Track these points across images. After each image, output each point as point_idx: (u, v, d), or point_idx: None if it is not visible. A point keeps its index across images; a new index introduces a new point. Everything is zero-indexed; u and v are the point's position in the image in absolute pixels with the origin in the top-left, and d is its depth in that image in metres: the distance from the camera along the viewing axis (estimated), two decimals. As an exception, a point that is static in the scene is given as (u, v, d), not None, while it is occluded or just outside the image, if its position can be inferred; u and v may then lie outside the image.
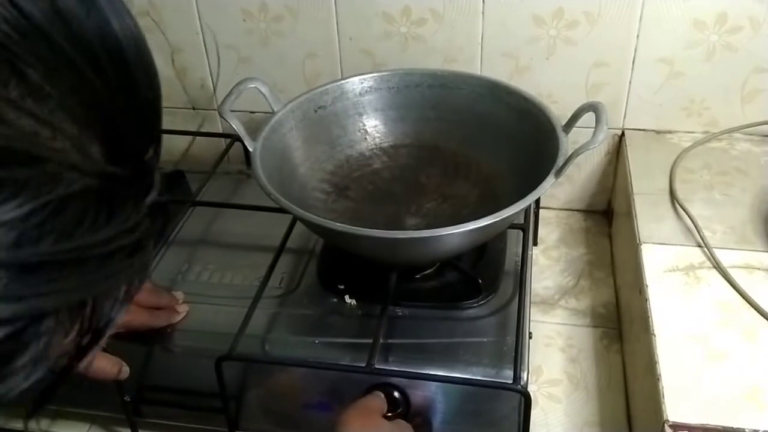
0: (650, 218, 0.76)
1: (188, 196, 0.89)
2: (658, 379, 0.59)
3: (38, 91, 0.21)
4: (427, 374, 0.64)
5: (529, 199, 0.62)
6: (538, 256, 0.91)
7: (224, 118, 0.71)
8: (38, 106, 0.21)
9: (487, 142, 0.79)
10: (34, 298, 0.21)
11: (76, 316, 0.24)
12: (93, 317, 0.25)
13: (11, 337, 0.21)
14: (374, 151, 0.84)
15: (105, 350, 0.63)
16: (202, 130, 1.03)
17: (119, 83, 0.24)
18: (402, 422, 0.63)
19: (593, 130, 0.63)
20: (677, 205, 0.77)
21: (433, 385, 0.65)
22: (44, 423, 0.76)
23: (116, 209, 0.24)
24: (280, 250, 0.76)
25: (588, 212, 0.99)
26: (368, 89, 0.82)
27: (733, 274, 0.68)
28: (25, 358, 0.22)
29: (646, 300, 0.66)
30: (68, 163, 0.21)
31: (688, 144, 0.87)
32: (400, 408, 0.65)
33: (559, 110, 0.73)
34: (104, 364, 0.63)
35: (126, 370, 0.65)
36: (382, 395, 0.64)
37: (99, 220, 0.23)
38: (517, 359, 0.62)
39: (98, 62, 0.23)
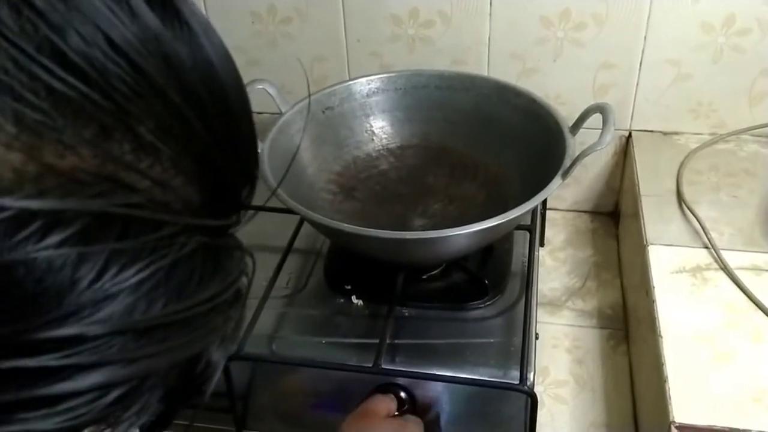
0: (657, 220, 0.76)
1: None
2: (665, 380, 0.59)
3: (151, 151, 0.20)
4: (434, 374, 0.64)
5: (536, 200, 0.62)
6: (544, 257, 0.91)
7: (232, 119, 0.71)
8: (152, 167, 0.20)
9: (494, 143, 0.79)
10: (145, 359, 0.21)
11: (180, 370, 0.24)
12: (196, 368, 0.25)
13: (122, 398, 0.21)
14: (381, 152, 0.84)
15: None
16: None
17: (223, 131, 0.24)
18: (410, 417, 0.63)
19: (600, 131, 0.63)
20: (684, 207, 0.77)
21: (440, 386, 0.65)
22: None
23: (220, 263, 0.24)
24: (288, 250, 0.76)
25: (595, 213, 0.99)
26: (375, 90, 0.82)
27: (740, 275, 0.68)
28: (129, 412, 0.22)
29: (653, 301, 0.66)
30: (182, 224, 0.21)
31: (695, 145, 0.87)
32: (405, 407, 0.65)
33: (566, 111, 0.73)
34: None
35: None
36: (392, 396, 0.64)
37: (204, 278, 0.23)
38: (523, 360, 0.62)
39: (205, 111, 0.22)
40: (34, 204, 0.18)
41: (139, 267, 0.20)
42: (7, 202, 0.17)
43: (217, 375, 0.26)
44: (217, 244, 0.24)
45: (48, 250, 0.18)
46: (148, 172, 0.20)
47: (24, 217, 0.17)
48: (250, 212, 0.27)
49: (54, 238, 0.18)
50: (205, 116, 0.22)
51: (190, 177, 0.22)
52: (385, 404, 0.63)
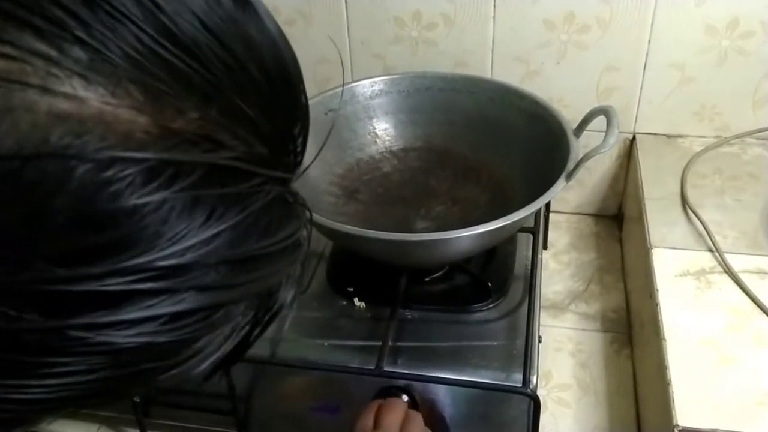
0: (661, 223, 0.76)
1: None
2: (669, 384, 0.59)
3: (239, 115, 0.24)
4: (437, 377, 0.64)
5: (540, 203, 0.62)
6: (548, 260, 0.91)
7: (235, 121, 0.71)
8: (239, 128, 0.24)
9: (497, 145, 0.79)
10: (241, 286, 0.25)
11: (258, 302, 0.28)
12: (270, 301, 0.29)
13: (221, 318, 0.25)
14: (384, 154, 0.84)
15: None
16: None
17: (287, 97, 0.27)
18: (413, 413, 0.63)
19: (604, 134, 0.63)
20: (688, 210, 0.77)
21: (442, 388, 0.65)
22: (54, 423, 0.76)
23: (292, 209, 0.28)
24: (290, 252, 0.76)
25: (598, 216, 0.99)
26: (379, 92, 0.82)
27: (745, 279, 0.68)
28: (223, 332, 0.26)
29: (656, 305, 0.66)
30: (267, 175, 0.25)
31: (699, 148, 0.87)
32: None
33: (570, 114, 0.73)
34: None
35: None
36: (377, 402, 0.63)
37: (282, 220, 0.26)
38: (526, 363, 0.62)
39: (274, 81, 0.26)
40: (167, 156, 0.22)
41: (237, 209, 0.24)
42: (149, 154, 0.21)
43: (286, 311, 0.30)
44: (288, 192, 0.28)
45: (178, 192, 0.22)
46: (238, 131, 0.24)
47: (159, 167, 0.21)
48: (305, 166, 0.30)
49: (179, 185, 0.22)
50: (274, 86, 0.26)
51: (264, 136, 0.25)
52: (368, 416, 0.61)
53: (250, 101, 0.24)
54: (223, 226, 0.23)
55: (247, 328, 0.28)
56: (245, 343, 0.29)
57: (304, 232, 0.29)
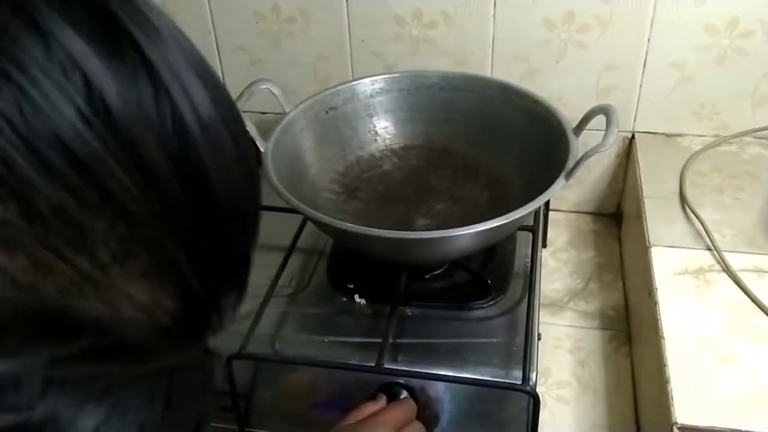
0: (660, 221, 0.76)
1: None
2: (667, 381, 0.59)
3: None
4: (436, 374, 0.64)
5: (539, 201, 0.62)
6: (547, 258, 0.91)
7: (236, 119, 0.71)
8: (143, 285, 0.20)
9: (497, 144, 0.80)
10: None
11: None
12: None
13: None
14: (384, 152, 0.84)
15: None
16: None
17: (202, 227, 0.22)
18: (393, 405, 0.63)
19: (604, 132, 0.63)
20: (687, 209, 0.77)
21: (442, 385, 0.66)
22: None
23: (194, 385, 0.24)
24: (291, 249, 0.76)
25: (597, 215, 0.99)
26: (379, 91, 0.83)
27: (743, 277, 0.68)
28: None
29: (655, 303, 0.66)
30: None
31: (698, 147, 0.87)
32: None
33: (569, 113, 0.73)
34: None
35: None
36: (370, 404, 0.63)
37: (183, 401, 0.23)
38: (526, 360, 0.62)
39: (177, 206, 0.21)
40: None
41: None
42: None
43: None
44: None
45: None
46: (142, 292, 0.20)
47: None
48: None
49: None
50: (219, 230, 0.22)
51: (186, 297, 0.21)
52: (356, 416, 0.61)
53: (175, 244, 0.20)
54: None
55: None
56: None
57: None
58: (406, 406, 0.63)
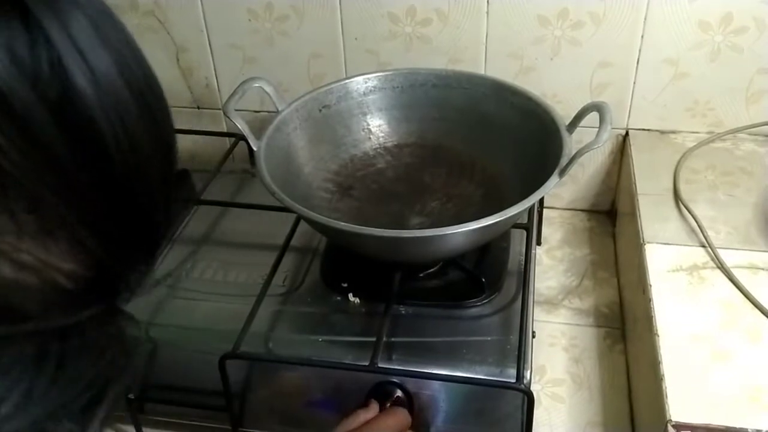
0: (654, 218, 0.76)
1: (192, 195, 0.89)
2: (662, 379, 0.59)
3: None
4: (431, 373, 0.64)
5: (533, 199, 0.62)
6: (541, 255, 0.91)
7: (229, 118, 0.71)
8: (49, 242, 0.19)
9: (491, 141, 0.79)
10: None
11: None
12: None
13: None
14: (378, 150, 0.84)
15: None
16: (207, 129, 1.03)
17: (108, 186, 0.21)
18: (386, 412, 0.63)
19: (597, 129, 0.63)
20: (681, 206, 0.77)
21: (436, 384, 0.65)
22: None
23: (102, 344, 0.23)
24: (284, 248, 0.76)
25: (592, 212, 0.99)
26: (372, 89, 0.82)
27: (737, 274, 0.68)
28: None
29: (649, 300, 0.66)
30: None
31: (692, 144, 0.87)
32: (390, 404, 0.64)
33: (563, 110, 0.73)
34: None
35: None
36: (361, 412, 0.62)
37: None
38: (520, 358, 0.62)
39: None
40: None
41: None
42: None
43: None
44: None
45: None
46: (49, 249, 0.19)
47: None
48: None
49: None
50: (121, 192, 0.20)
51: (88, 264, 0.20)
52: (354, 423, 0.61)
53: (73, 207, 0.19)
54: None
55: None
56: None
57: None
58: (400, 416, 0.62)
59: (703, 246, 0.72)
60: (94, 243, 0.21)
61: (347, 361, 0.66)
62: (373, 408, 0.63)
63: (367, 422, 0.61)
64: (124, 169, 0.21)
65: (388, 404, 0.64)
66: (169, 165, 0.23)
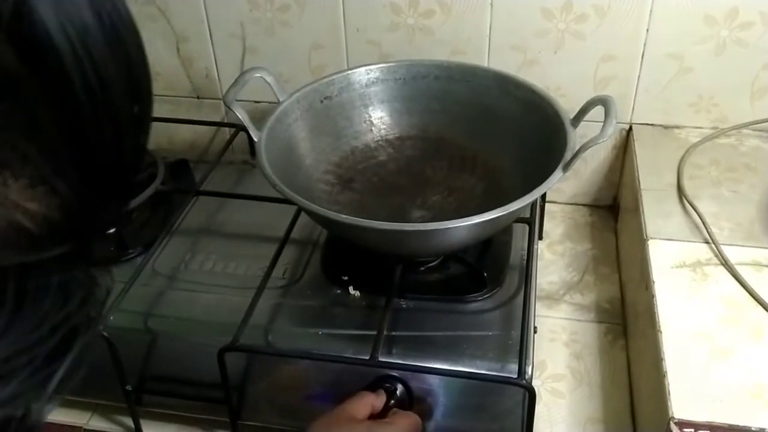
0: (657, 214, 0.76)
1: (192, 186, 0.88)
2: (665, 375, 0.58)
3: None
4: (431, 368, 0.64)
5: (536, 194, 0.61)
6: (543, 250, 0.91)
7: (229, 108, 0.70)
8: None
9: (493, 134, 0.79)
10: None
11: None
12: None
13: None
14: (380, 142, 0.83)
15: None
16: (207, 119, 1.03)
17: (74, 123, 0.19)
18: (399, 413, 0.62)
19: (602, 124, 0.62)
20: (685, 201, 0.77)
21: (437, 379, 0.65)
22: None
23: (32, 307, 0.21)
24: (284, 240, 0.76)
25: (594, 207, 0.99)
26: (374, 80, 0.82)
27: (741, 271, 0.68)
28: None
29: (652, 296, 0.66)
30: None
31: (696, 140, 0.87)
32: (392, 402, 0.64)
33: (566, 104, 0.72)
34: None
35: None
36: (380, 391, 0.63)
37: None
38: (522, 354, 0.62)
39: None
40: None
41: None
42: None
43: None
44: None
45: None
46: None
47: None
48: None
49: None
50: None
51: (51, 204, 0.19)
52: (365, 405, 0.61)
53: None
54: None
55: None
56: None
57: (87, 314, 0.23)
58: (416, 422, 0.62)
59: (707, 242, 0.71)
60: (59, 183, 0.20)
61: (347, 355, 0.65)
62: (382, 396, 0.62)
63: (388, 422, 0.60)
64: (88, 96, 0.19)
65: (392, 402, 0.63)
66: (142, 106, 0.21)
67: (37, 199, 0.19)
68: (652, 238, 0.72)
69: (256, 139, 0.70)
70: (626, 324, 0.80)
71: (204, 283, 0.75)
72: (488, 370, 0.64)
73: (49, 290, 0.22)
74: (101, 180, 0.21)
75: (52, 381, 0.23)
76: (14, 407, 0.22)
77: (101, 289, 0.24)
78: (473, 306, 0.71)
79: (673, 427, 0.55)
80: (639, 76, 0.86)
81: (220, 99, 1.01)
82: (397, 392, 0.64)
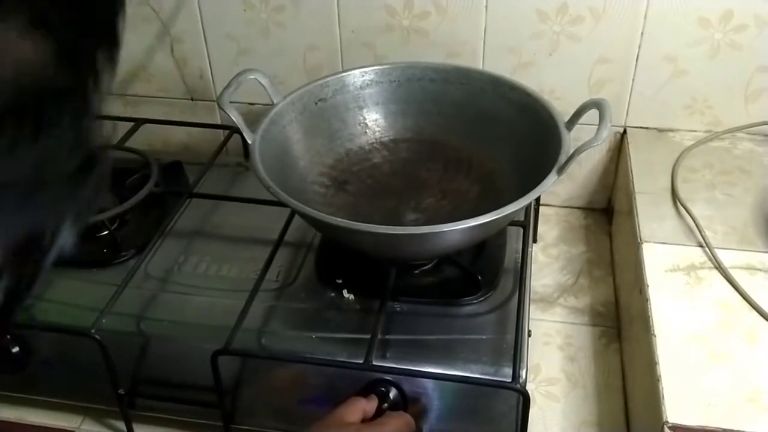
0: (651, 217, 0.76)
1: (186, 188, 0.88)
2: (658, 379, 0.58)
3: None
4: (425, 372, 0.63)
5: (531, 197, 0.61)
6: (537, 253, 0.91)
7: (223, 110, 0.70)
8: None
9: (488, 137, 0.79)
10: None
11: (20, 249, 0.21)
12: (38, 249, 0.22)
13: None
14: (374, 145, 0.83)
15: None
16: (201, 121, 1.02)
17: None
18: (391, 415, 0.62)
19: (596, 127, 0.62)
20: (679, 205, 0.77)
21: (431, 383, 0.65)
22: (37, 415, 0.75)
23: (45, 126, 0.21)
24: (278, 243, 0.75)
25: (588, 210, 0.99)
26: (369, 82, 0.81)
27: (735, 274, 0.68)
28: None
29: (646, 300, 0.66)
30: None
31: (690, 143, 0.87)
32: (385, 405, 0.63)
33: (561, 107, 0.72)
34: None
35: None
36: (372, 396, 0.63)
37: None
38: (516, 357, 0.62)
39: None
40: None
41: None
42: None
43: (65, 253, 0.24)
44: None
45: None
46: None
47: None
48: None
49: None
50: None
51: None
52: (357, 410, 0.61)
53: None
54: None
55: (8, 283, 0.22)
56: (7, 306, 0.22)
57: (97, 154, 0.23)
58: (409, 422, 0.62)
59: (701, 246, 0.72)
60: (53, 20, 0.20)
61: (341, 359, 0.65)
62: (373, 401, 0.62)
63: (377, 423, 0.60)
64: None
65: (385, 405, 0.63)
66: None
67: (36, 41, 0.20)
68: (646, 242, 0.72)
69: (250, 141, 0.69)
70: (620, 327, 0.80)
71: (197, 285, 0.74)
72: (482, 374, 0.63)
73: (63, 122, 0.21)
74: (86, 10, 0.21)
75: (82, 195, 0.22)
76: (48, 215, 0.22)
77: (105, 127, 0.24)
78: (467, 309, 0.70)
79: (667, 431, 0.55)
80: (633, 78, 0.86)
81: (214, 101, 1.00)
82: (391, 395, 0.64)
